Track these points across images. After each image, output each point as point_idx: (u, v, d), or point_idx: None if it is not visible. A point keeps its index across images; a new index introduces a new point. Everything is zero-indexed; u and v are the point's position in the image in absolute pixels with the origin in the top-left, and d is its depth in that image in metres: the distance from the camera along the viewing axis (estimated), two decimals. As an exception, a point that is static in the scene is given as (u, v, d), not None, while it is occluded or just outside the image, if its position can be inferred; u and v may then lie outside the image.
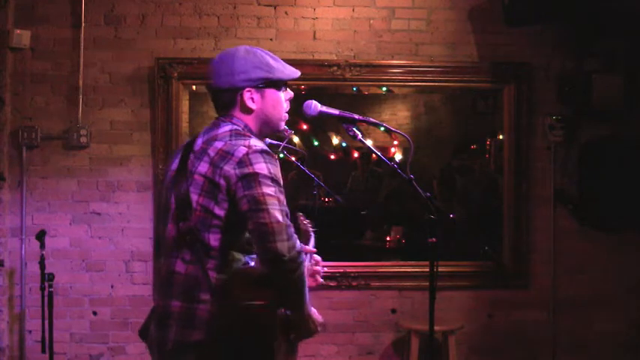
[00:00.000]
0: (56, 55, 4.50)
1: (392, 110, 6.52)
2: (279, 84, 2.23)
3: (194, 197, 2.07)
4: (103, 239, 4.52)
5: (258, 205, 1.96)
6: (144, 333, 2.22)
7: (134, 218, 4.53)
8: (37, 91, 4.50)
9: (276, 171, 2.05)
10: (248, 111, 2.19)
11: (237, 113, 2.20)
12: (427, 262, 2.44)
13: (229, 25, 4.56)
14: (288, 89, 2.28)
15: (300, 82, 4.53)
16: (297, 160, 3.92)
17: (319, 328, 2.19)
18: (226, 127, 2.15)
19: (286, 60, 2.32)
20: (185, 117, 4.64)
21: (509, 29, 4.52)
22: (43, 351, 4.18)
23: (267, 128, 2.25)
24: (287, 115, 2.28)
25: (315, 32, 4.60)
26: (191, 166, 2.12)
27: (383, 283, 4.62)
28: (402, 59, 4.61)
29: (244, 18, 4.57)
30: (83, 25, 4.46)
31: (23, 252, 4.46)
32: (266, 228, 1.94)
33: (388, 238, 5.67)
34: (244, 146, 2.05)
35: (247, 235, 2.07)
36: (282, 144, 3.00)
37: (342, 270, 4.55)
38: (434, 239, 2.40)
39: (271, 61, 2.21)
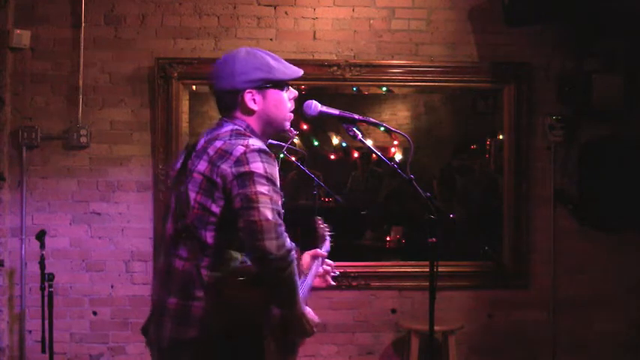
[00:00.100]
0: (56, 55, 4.50)
1: (392, 110, 6.53)
2: (280, 84, 2.23)
3: (192, 195, 2.09)
4: (103, 239, 4.52)
5: (250, 203, 1.97)
6: (146, 330, 2.24)
7: (134, 218, 4.53)
8: (37, 91, 4.50)
9: (273, 170, 2.05)
10: (250, 112, 2.20)
11: (240, 114, 2.21)
12: (427, 262, 2.44)
13: (229, 25, 4.56)
14: (291, 88, 2.29)
15: (300, 82, 4.52)
16: (297, 160, 3.92)
17: (315, 329, 2.19)
18: (228, 127, 2.18)
19: (286, 60, 2.32)
20: (185, 117, 4.64)
21: (509, 29, 4.52)
22: (43, 351, 4.18)
23: (270, 128, 2.26)
24: (292, 114, 2.29)
25: (315, 32, 4.60)
26: (191, 164, 2.14)
27: (383, 283, 4.62)
28: (402, 59, 4.61)
29: (244, 18, 4.57)
30: (83, 25, 4.46)
31: (23, 252, 4.46)
32: (255, 226, 1.94)
33: (388, 238, 5.68)
34: (242, 145, 2.07)
35: None
36: (286, 145, 3.00)
37: (342, 270, 4.54)
38: (434, 239, 2.40)
39: (272, 62, 2.22)
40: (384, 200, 6.10)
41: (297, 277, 2.04)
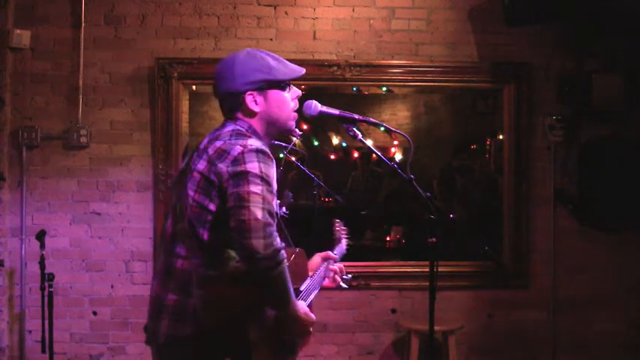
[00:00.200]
0: (56, 55, 4.50)
1: (392, 110, 6.53)
2: (281, 84, 2.24)
3: (191, 194, 2.12)
4: (103, 239, 4.52)
5: (241, 202, 1.99)
6: (147, 328, 2.27)
7: (134, 218, 4.53)
8: (37, 91, 4.50)
9: (269, 170, 2.06)
10: (252, 113, 2.22)
11: (243, 116, 2.23)
12: (427, 262, 2.44)
13: (229, 25, 4.56)
14: (294, 87, 2.30)
15: (300, 82, 4.49)
16: (297, 160, 3.92)
17: (312, 329, 2.19)
18: (229, 128, 2.20)
19: (286, 60, 2.33)
20: (185, 117, 4.64)
21: (509, 29, 4.52)
22: (43, 351, 4.18)
23: (274, 129, 2.27)
24: (296, 113, 2.30)
25: (315, 32, 4.60)
26: (192, 164, 2.17)
27: (383, 283, 4.62)
28: (402, 59, 4.61)
29: (244, 18, 4.57)
30: (83, 25, 4.46)
31: (23, 252, 4.46)
32: (243, 225, 1.95)
33: (388, 238, 5.68)
34: (241, 145, 2.08)
35: None
36: (289, 146, 3.01)
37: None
38: (434, 239, 2.41)
39: (272, 62, 2.23)
40: (384, 200, 6.10)
41: (287, 277, 2.03)
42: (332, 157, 6.61)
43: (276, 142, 2.87)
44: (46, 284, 4.15)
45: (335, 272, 2.56)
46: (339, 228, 3.00)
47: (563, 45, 4.64)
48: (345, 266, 2.70)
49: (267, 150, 2.12)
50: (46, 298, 4.15)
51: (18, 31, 4.37)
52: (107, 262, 4.52)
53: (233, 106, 2.22)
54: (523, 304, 4.68)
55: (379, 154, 2.56)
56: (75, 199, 4.52)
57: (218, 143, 2.13)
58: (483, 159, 5.48)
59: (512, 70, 4.61)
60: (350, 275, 2.66)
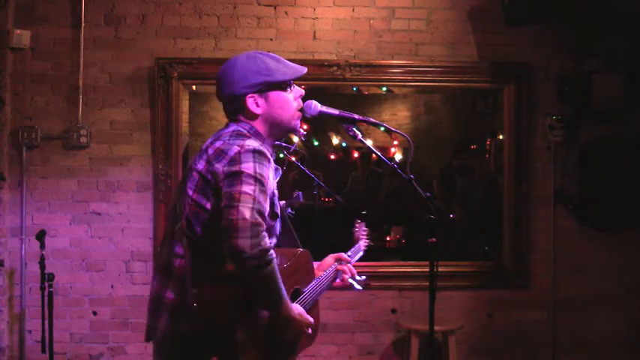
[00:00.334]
0: (56, 55, 4.50)
1: (392, 110, 6.53)
2: (282, 85, 2.25)
3: (190, 193, 2.15)
4: (103, 239, 4.52)
5: (232, 201, 2.00)
6: None
7: (134, 218, 4.53)
8: (37, 91, 4.50)
9: (263, 171, 2.07)
10: (254, 115, 2.24)
11: (245, 118, 2.25)
12: (427, 262, 2.44)
13: (229, 25, 4.56)
14: (296, 87, 2.31)
15: (301, 82, 4.48)
16: (297, 160, 3.92)
17: (308, 329, 2.18)
18: (231, 128, 2.23)
19: (286, 60, 2.33)
20: (185, 117, 4.65)
21: (509, 29, 4.52)
22: (43, 351, 4.18)
23: (278, 129, 2.28)
24: (299, 112, 2.31)
25: (315, 32, 4.60)
26: (193, 163, 2.20)
27: (383, 283, 4.62)
28: (402, 59, 4.61)
29: (244, 18, 4.57)
30: (83, 25, 4.46)
31: (23, 252, 4.46)
32: (231, 224, 1.96)
33: (388, 238, 5.67)
34: (238, 146, 2.11)
35: None
36: (292, 147, 3.01)
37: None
38: (434, 239, 2.40)
39: (271, 64, 2.24)
40: (384, 200, 6.10)
41: (277, 278, 2.03)
42: (332, 157, 6.61)
43: (278, 142, 2.87)
44: (46, 284, 4.15)
45: (344, 272, 2.56)
46: (359, 228, 3.00)
47: (563, 45, 4.64)
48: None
49: (265, 150, 2.13)
50: (46, 298, 4.15)
51: (18, 31, 4.37)
52: (107, 262, 4.52)
53: (235, 109, 2.25)
54: (523, 304, 4.67)
55: (379, 154, 2.56)
56: (75, 199, 4.52)
57: (218, 143, 2.15)
58: (483, 159, 5.48)
59: (512, 70, 4.61)
60: (364, 276, 2.66)
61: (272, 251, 2.01)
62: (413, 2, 4.64)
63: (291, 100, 2.27)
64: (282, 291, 2.06)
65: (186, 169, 2.24)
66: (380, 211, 6.07)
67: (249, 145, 2.10)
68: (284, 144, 3.03)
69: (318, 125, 6.31)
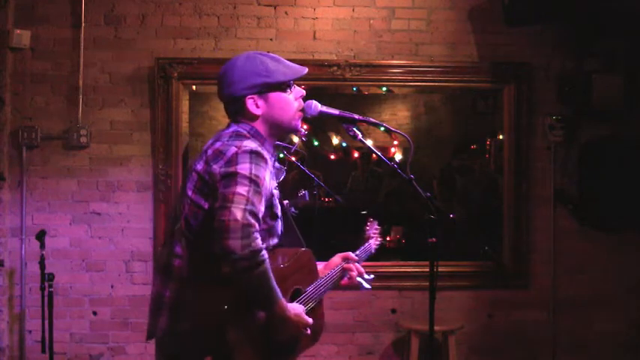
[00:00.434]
0: (56, 55, 4.50)
1: (392, 110, 6.52)
2: (282, 86, 2.26)
3: (189, 193, 2.17)
4: (103, 239, 4.52)
5: (225, 202, 2.01)
6: None
7: (134, 218, 4.53)
8: (37, 91, 4.50)
9: (259, 171, 2.08)
10: (254, 116, 2.25)
11: (245, 119, 2.26)
12: (427, 262, 2.44)
13: (229, 25, 4.56)
14: (296, 87, 2.31)
15: (301, 82, 4.49)
16: (297, 160, 3.92)
17: (305, 330, 2.18)
18: (231, 129, 2.24)
19: (286, 60, 2.33)
20: (185, 117, 4.64)
21: (509, 29, 4.52)
22: (43, 351, 4.18)
23: (279, 130, 2.29)
24: (301, 112, 2.31)
25: (315, 32, 4.60)
26: (193, 164, 2.22)
27: (383, 283, 4.61)
28: (402, 59, 4.61)
29: (244, 18, 4.57)
30: (83, 25, 4.46)
31: (23, 252, 4.46)
32: (222, 225, 1.97)
33: (388, 238, 5.67)
34: (235, 146, 2.11)
35: None
36: (293, 148, 3.01)
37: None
38: (434, 239, 2.40)
39: (271, 65, 2.24)
40: (384, 200, 6.10)
41: (270, 278, 2.03)
42: (332, 157, 6.61)
43: (279, 142, 2.87)
44: (46, 284, 4.15)
45: (351, 271, 2.56)
46: (371, 227, 3.00)
47: (563, 45, 4.64)
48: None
49: (263, 151, 2.14)
50: (46, 298, 4.15)
51: (18, 31, 4.37)
52: (107, 262, 4.52)
53: (236, 109, 2.26)
54: (523, 304, 4.67)
55: (379, 154, 2.56)
56: (75, 199, 4.52)
57: (217, 144, 2.17)
58: (483, 159, 5.48)
59: (512, 70, 4.61)
60: (373, 275, 2.66)
61: (264, 252, 2.01)
62: (413, 2, 4.64)
63: (291, 100, 2.28)
64: (275, 291, 2.06)
65: (187, 170, 2.25)
66: (380, 211, 6.07)
67: (246, 146, 2.10)
68: (285, 144, 3.03)
69: (318, 125, 6.31)
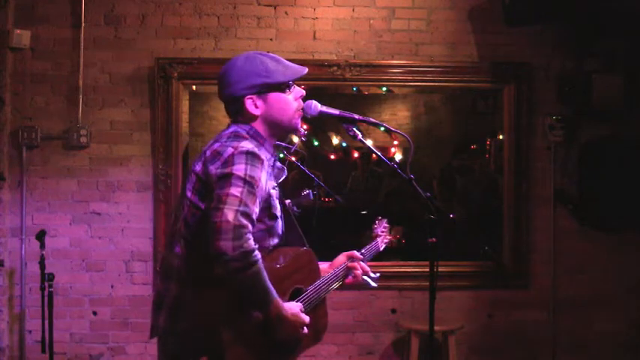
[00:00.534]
0: (56, 55, 4.50)
1: (392, 110, 6.52)
2: (281, 87, 2.26)
3: (188, 194, 2.19)
4: (103, 239, 4.52)
5: (218, 203, 2.02)
6: None
7: (134, 218, 4.53)
8: (37, 91, 4.50)
9: (255, 172, 2.09)
10: (253, 116, 2.25)
11: (245, 119, 2.27)
12: (427, 262, 2.44)
13: (229, 25, 4.56)
14: (296, 87, 2.32)
15: (301, 82, 4.48)
16: (297, 160, 3.92)
17: (302, 330, 2.18)
18: (230, 130, 2.25)
19: (286, 60, 2.33)
20: (185, 117, 4.64)
21: (509, 29, 4.52)
22: (43, 351, 4.18)
23: (279, 130, 2.30)
24: (300, 112, 2.32)
25: (315, 32, 4.60)
26: (192, 165, 2.23)
27: (383, 283, 4.55)
28: (402, 59, 4.61)
29: (244, 18, 4.57)
30: (83, 25, 4.46)
31: (23, 252, 4.46)
32: (214, 226, 1.98)
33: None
34: (232, 147, 2.12)
35: None
36: (293, 148, 3.01)
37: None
38: (434, 239, 2.40)
39: (270, 66, 2.25)
40: (384, 200, 6.09)
41: (264, 278, 2.04)
42: (332, 157, 6.60)
43: (279, 142, 2.88)
44: (46, 284, 4.15)
45: (355, 269, 2.57)
46: (379, 225, 3.01)
47: (563, 45, 4.64)
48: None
49: (259, 152, 2.14)
50: (46, 298, 4.15)
51: (18, 31, 4.37)
52: (107, 262, 4.52)
53: (236, 109, 2.27)
54: (523, 304, 4.68)
55: (379, 154, 2.56)
56: (75, 199, 4.52)
57: (215, 145, 2.18)
58: (483, 159, 5.47)
59: (512, 70, 4.62)
60: (378, 274, 2.66)
61: (257, 252, 2.02)
62: (413, 2, 4.64)
63: (290, 101, 2.28)
64: (270, 291, 2.07)
65: (187, 171, 2.26)
66: (380, 211, 6.06)
67: (242, 147, 2.11)
68: (285, 144, 3.04)
69: (318, 125, 6.30)
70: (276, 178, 2.34)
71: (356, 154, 6.50)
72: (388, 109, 6.52)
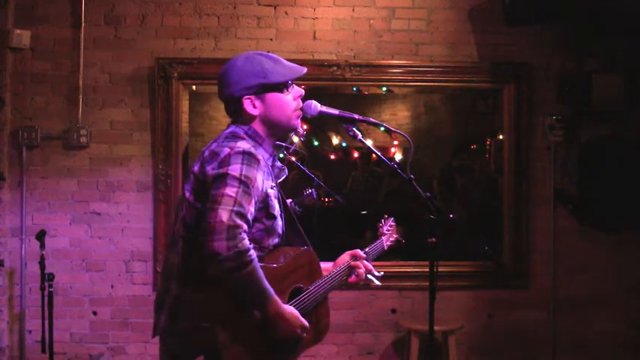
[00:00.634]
0: (56, 55, 4.50)
1: (392, 110, 6.51)
2: (279, 87, 2.26)
3: (187, 194, 2.20)
4: (103, 239, 4.52)
5: (212, 204, 2.03)
6: None
7: (134, 218, 4.53)
8: (37, 91, 4.50)
9: (251, 172, 2.09)
10: (252, 117, 2.26)
11: (243, 119, 2.28)
12: (427, 262, 2.44)
13: (229, 25, 4.56)
14: (295, 87, 2.32)
15: (301, 82, 4.48)
16: (297, 160, 3.92)
17: (299, 331, 2.18)
18: (228, 130, 2.27)
19: (286, 60, 2.33)
20: (185, 117, 4.64)
21: (509, 29, 4.52)
22: (43, 351, 4.18)
23: (277, 129, 2.31)
24: (299, 112, 2.32)
25: (315, 32, 4.60)
26: (191, 165, 2.24)
27: (383, 283, 4.53)
28: (402, 59, 4.61)
29: (244, 18, 4.57)
30: (83, 25, 4.46)
31: (23, 252, 4.46)
32: (208, 226, 1.99)
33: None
34: (229, 147, 2.13)
35: None
36: (292, 148, 3.01)
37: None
38: (434, 239, 2.40)
39: (269, 66, 2.25)
40: (384, 200, 6.09)
41: (259, 278, 2.04)
42: (332, 157, 6.60)
43: (279, 142, 2.88)
44: (46, 284, 4.15)
45: (358, 268, 2.57)
46: (385, 224, 3.01)
47: (563, 45, 4.64)
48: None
49: (256, 152, 2.15)
50: (46, 298, 4.15)
51: (18, 31, 4.37)
52: (107, 262, 4.52)
53: (234, 110, 2.28)
54: (523, 304, 4.68)
55: (379, 154, 2.56)
56: (75, 199, 4.52)
57: (213, 146, 2.19)
58: (483, 159, 5.47)
59: (512, 70, 4.62)
60: (382, 272, 2.66)
61: (251, 252, 2.02)
62: (413, 2, 4.64)
63: (288, 101, 2.28)
64: (266, 290, 2.07)
65: (187, 171, 2.27)
66: (380, 211, 6.05)
67: (239, 147, 2.12)
68: (284, 144, 3.04)
69: (318, 125, 6.30)
70: (277, 177, 2.34)
71: (356, 154, 6.50)
72: (388, 109, 6.52)
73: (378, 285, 2.64)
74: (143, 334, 4.42)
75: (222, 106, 2.34)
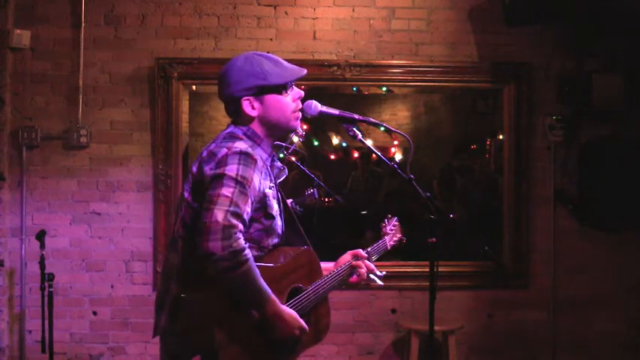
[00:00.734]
0: (56, 55, 4.50)
1: (392, 110, 6.51)
2: (278, 88, 2.26)
3: (186, 195, 2.22)
4: (103, 239, 4.52)
5: (208, 204, 2.04)
6: None
7: (134, 218, 4.53)
8: (37, 91, 4.50)
9: (247, 173, 2.10)
10: (250, 118, 2.27)
11: (243, 120, 2.28)
12: (427, 262, 2.44)
13: (229, 25, 4.56)
14: (295, 88, 2.32)
15: (301, 82, 4.47)
16: (297, 160, 3.92)
17: (297, 331, 2.17)
18: (227, 130, 2.28)
19: (286, 60, 2.33)
20: (185, 117, 4.64)
21: (509, 29, 4.52)
22: (43, 351, 4.18)
23: (276, 130, 2.31)
24: (299, 113, 2.32)
25: (315, 32, 4.60)
26: (190, 166, 2.25)
27: (383, 283, 4.60)
28: (402, 59, 4.61)
29: (244, 18, 4.57)
30: (83, 25, 4.46)
31: (23, 252, 4.46)
32: (203, 226, 2.01)
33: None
34: (226, 148, 2.14)
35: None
36: (292, 148, 3.01)
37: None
38: (434, 239, 2.40)
39: (267, 67, 2.26)
40: (384, 200, 6.09)
41: (256, 278, 2.05)
42: (332, 157, 6.60)
43: (278, 142, 2.88)
44: (46, 284, 4.15)
45: (360, 268, 2.57)
46: (388, 224, 3.00)
47: (563, 45, 4.64)
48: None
49: (253, 152, 2.15)
50: (46, 298, 4.15)
51: (18, 31, 4.37)
52: (107, 262, 4.52)
53: (233, 111, 2.29)
54: (523, 304, 4.68)
55: (379, 154, 2.56)
56: (75, 199, 4.52)
57: (212, 146, 2.20)
58: (483, 159, 5.47)
59: (512, 70, 4.62)
60: (384, 272, 2.66)
61: (247, 252, 2.02)
62: (413, 2, 4.64)
63: (287, 102, 2.29)
64: (263, 290, 2.07)
65: (187, 172, 2.28)
66: (380, 211, 6.06)
67: (236, 147, 2.13)
68: (284, 144, 3.03)
69: (318, 125, 6.30)
70: (276, 177, 2.34)
71: (356, 154, 6.50)
72: (388, 109, 6.52)
73: (380, 285, 2.64)
74: (143, 334, 4.42)
75: (222, 106, 2.34)
